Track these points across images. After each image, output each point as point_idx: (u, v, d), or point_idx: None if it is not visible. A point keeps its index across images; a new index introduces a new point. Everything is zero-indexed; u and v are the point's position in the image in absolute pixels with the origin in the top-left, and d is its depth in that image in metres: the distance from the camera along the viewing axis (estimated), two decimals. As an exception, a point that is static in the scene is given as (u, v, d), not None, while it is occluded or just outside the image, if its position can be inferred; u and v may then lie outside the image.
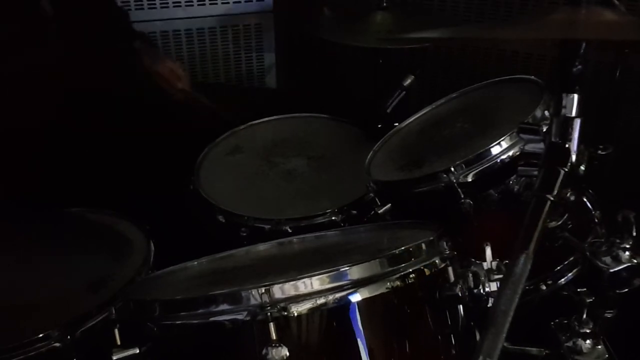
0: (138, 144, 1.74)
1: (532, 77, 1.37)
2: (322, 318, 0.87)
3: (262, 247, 1.27)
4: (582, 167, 0.89)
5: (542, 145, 0.90)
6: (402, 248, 0.94)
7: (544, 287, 1.20)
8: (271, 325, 0.82)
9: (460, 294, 0.93)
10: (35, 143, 1.58)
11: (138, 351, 0.91)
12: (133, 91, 1.88)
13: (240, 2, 2.41)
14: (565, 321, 1.03)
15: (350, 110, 1.92)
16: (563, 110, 0.90)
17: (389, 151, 1.47)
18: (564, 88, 0.91)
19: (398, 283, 0.90)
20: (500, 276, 0.95)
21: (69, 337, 1.06)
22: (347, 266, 0.88)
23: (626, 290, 0.96)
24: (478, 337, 0.99)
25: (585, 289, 1.03)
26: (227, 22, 2.44)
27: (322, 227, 1.43)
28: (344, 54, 2.42)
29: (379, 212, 1.28)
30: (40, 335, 1.05)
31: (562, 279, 1.20)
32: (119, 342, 0.94)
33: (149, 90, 1.98)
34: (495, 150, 1.18)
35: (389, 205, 1.28)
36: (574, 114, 0.90)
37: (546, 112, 1.19)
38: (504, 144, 1.18)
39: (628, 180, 1.74)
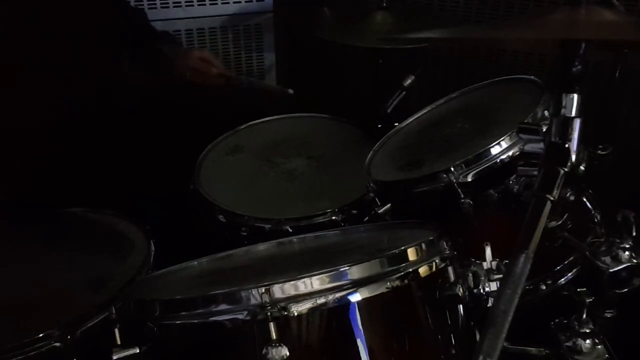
0: (138, 144, 1.74)
1: (532, 77, 1.37)
2: (322, 318, 0.87)
3: (262, 246, 1.27)
4: (582, 167, 0.89)
5: (541, 145, 0.90)
6: (402, 248, 0.94)
7: (543, 287, 1.20)
8: (271, 325, 0.82)
9: (460, 294, 0.93)
10: (36, 143, 1.58)
11: (138, 351, 0.92)
12: (138, 91, 1.87)
13: (240, 2, 2.40)
14: (565, 321, 1.04)
15: (350, 110, 1.92)
16: (563, 110, 0.90)
17: (388, 151, 1.47)
18: (564, 88, 0.91)
19: (398, 283, 0.91)
20: (500, 276, 0.96)
21: (69, 336, 1.06)
22: (347, 266, 0.88)
23: (626, 290, 0.96)
24: (478, 336, 0.99)
25: (585, 289, 1.03)
26: (228, 22, 2.43)
27: (322, 227, 1.43)
28: (344, 54, 2.41)
29: (379, 212, 1.28)
30: (41, 335, 1.05)
31: (562, 279, 1.20)
32: (119, 342, 0.94)
33: (162, 90, 1.98)
34: (495, 150, 1.18)
35: (389, 205, 1.28)
36: (573, 114, 0.90)
37: (546, 112, 1.19)
38: (504, 144, 1.18)
39: (628, 180, 1.74)
